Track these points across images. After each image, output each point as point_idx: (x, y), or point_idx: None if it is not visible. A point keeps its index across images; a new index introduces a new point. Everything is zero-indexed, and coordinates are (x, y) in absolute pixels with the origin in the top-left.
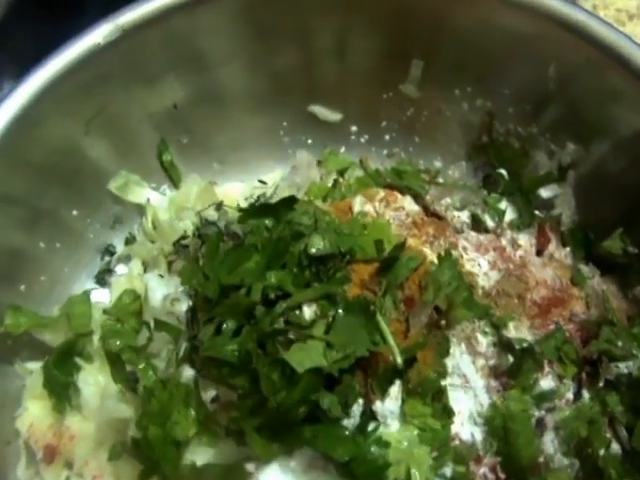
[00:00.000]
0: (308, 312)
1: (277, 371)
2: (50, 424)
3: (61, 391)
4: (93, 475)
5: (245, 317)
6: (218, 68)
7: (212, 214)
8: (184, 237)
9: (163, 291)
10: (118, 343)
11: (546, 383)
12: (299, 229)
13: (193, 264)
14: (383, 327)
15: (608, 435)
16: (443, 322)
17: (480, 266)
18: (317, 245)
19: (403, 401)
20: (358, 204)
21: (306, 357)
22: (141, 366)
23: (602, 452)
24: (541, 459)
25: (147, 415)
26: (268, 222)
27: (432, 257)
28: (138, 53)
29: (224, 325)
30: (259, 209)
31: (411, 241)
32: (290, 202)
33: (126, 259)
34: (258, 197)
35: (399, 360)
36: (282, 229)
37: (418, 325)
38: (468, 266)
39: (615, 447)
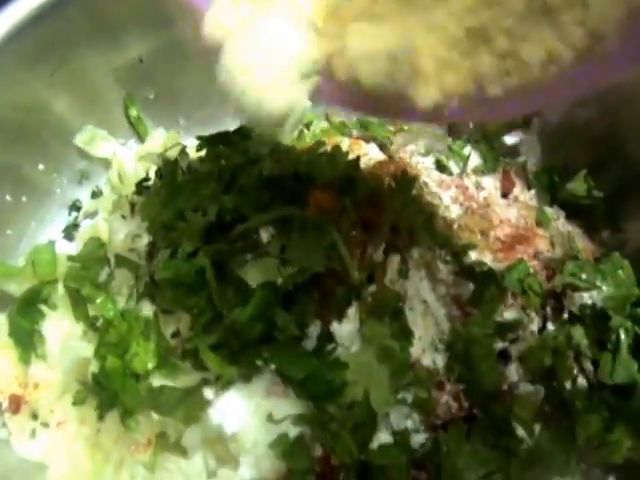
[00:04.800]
0: (265, 235)
1: (231, 287)
2: (16, 375)
3: (26, 339)
4: (58, 421)
5: (201, 240)
6: (182, 21)
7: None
8: (146, 179)
9: (125, 231)
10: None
11: (510, 314)
12: (255, 156)
13: (152, 198)
14: (339, 244)
15: (574, 369)
16: (401, 244)
17: (441, 199)
18: (272, 168)
19: (361, 322)
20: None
21: (260, 273)
22: (100, 299)
23: (568, 385)
24: (505, 387)
25: (105, 345)
26: (226, 150)
27: (392, 184)
28: (101, 4)
29: (180, 249)
30: (216, 137)
31: (373, 173)
32: (247, 131)
33: (93, 214)
34: None
35: (356, 274)
36: (239, 156)
37: (376, 245)
38: (428, 198)
39: (581, 381)
